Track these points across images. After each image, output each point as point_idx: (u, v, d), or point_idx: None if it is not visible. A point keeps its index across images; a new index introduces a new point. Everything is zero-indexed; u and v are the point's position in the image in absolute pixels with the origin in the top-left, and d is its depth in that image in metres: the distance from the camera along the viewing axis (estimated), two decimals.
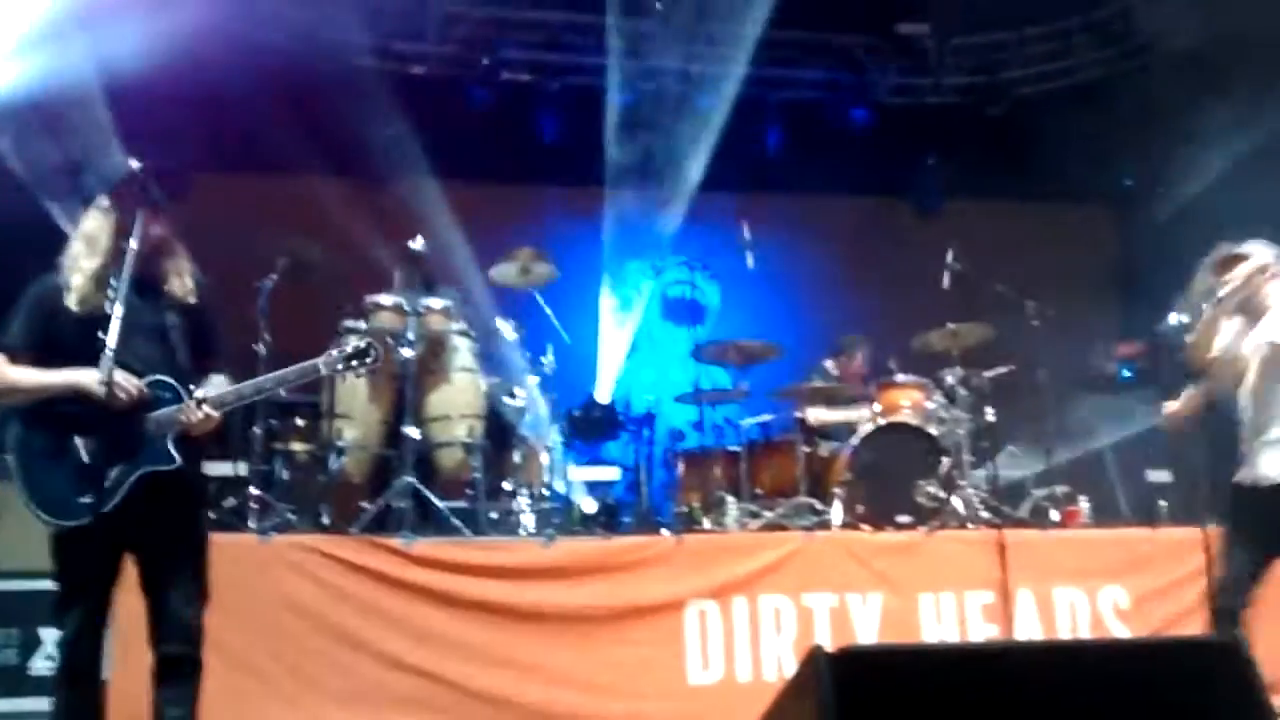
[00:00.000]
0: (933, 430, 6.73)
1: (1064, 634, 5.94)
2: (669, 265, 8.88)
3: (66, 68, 7.36)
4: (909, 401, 7.01)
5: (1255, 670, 2.38)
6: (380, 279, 6.72)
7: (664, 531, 6.32)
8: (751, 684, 5.54)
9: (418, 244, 6.56)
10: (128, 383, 3.46)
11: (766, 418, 7.51)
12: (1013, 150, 9.74)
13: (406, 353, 6.01)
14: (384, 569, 5.35)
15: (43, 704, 4.82)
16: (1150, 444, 7.25)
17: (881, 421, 6.80)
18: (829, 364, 7.87)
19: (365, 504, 5.95)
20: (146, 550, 3.61)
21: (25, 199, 7.63)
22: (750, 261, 7.35)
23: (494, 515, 6.25)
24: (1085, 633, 5.96)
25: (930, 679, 2.34)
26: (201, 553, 3.70)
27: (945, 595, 5.94)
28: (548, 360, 6.99)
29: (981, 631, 5.89)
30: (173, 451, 3.52)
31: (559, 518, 6.50)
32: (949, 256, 7.28)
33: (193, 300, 3.74)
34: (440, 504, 5.85)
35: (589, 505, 7.12)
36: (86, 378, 3.45)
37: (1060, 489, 7.13)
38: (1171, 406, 4.94)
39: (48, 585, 4.77)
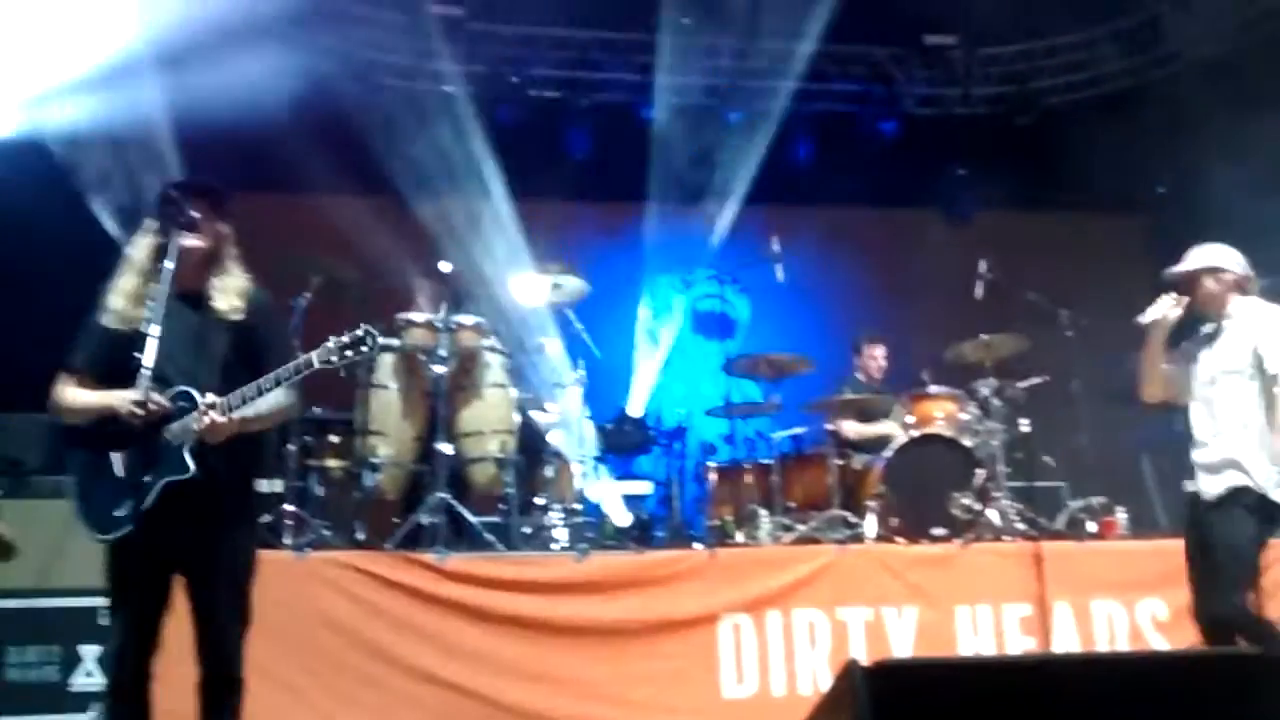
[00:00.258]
0: (967, 442, 6.69)
1: (1102, 646, 5.88)
2: (699, 279, 8.87)
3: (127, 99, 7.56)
4: (943, 413, 6.98)
5: None
6: (413, 297, 6.76)
7: (697, 545, 6.32)
8: (786, 698, 5.53)
9: (444, 265, 6.59)
10: (147, 400, 3.49)
11: (798, 430, 7.48)
12: (1043, 160, 9.70)
13: (439, 369, 6.03)
14: (418, 584, 5.37)
15: None
16: (1188, 454, 7.17)
17: (915, 433, 6.77)
18: (858, 374, 7.86)
19: (399, 520, 5.97)
20: (187, 568, 3.64)
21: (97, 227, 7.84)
22: (780, 275, 7.34)
23: (527, 530, 6.26)
24: (1124, 645, 5.90)
25: (967, 692, 2.33)
26: (241, 573, 3.70)
27: (981, 608, 5.91)
28: (579, 375, 7.00)
29: (1019, 644, 5.85)
30: (187, 460, 3.50)
31: (592, 532, 6.49)
32: (981, 267, 7.24)
33: (238, 317, 3.72)
34: (473, 519, 5.86)
35: (624, 518, 7.11)
36: (117, 398, 3.52)
37: (1097, 500, 7.06)
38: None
39: (87, 602, 4.86)
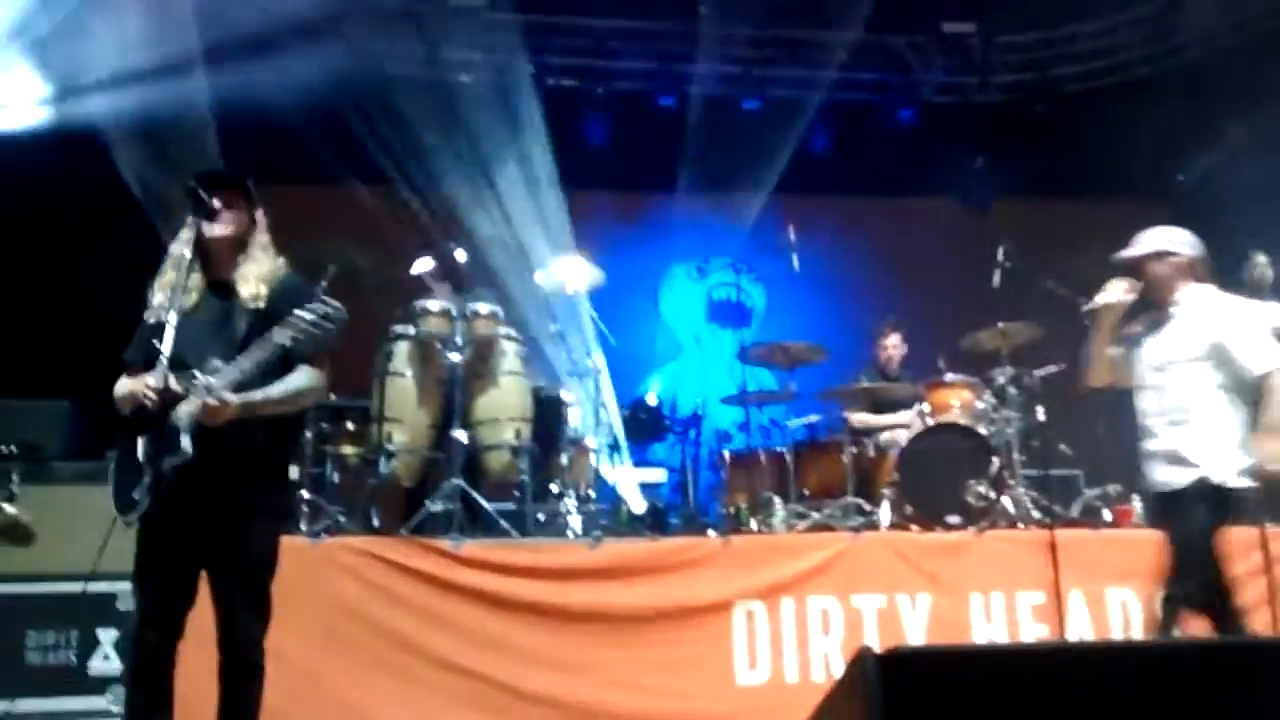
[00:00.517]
0: (982, 430, 6.68)
1: (1116, 635, 5.87)
2: (715, 268, 8.86)
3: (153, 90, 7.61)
4: (959, 401, 6.96)
5: None
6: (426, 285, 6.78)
7: (711, 533, 6.33)
8: (799, 685, 5.53)
9: (459, 253, 6.61)
10: (161, 385, 3.53)
11: (813, 419, 7.49)
12: (1061, 147, 9.66)
13: (454, 357, 6.05)
14: (433, 571, 5.40)
15: (100, 703, 4.96)
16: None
17: (931, 421, 6.76)
18: (882, 359, 7.86)
19: (414, 506, 6.00)
20: (208, 557, 3.67)
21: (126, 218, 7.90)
22: (796, 263, 7.33)
23: (541, 517, 6.27)
24: (1138, 634, 5.88)
25: (980, 680, 2.32)
26: (259, 565, 3.73)
27: (995, 596, 5.90)
28: (592, 363, 7.01)
29: (1032, 632, 5.84)
30: (184, 443, 3.50)
31: (606, 519, 6.51)
32: (999, 254, 7.21)
33: (260, 304, 3.75)
34: (488, 506, 5.88)
35: (640, 504, 7.12)
36: (138, 383, 3.60)
37: (1112, 488, 7.04)
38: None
39: (106, 587, 4.90)
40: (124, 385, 3.73)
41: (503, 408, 6.28)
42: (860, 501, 6.65)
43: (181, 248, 3.77)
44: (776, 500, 6.68)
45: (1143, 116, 9.19)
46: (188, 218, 3.80)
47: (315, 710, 5.05)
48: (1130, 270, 4.68)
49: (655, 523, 6.85)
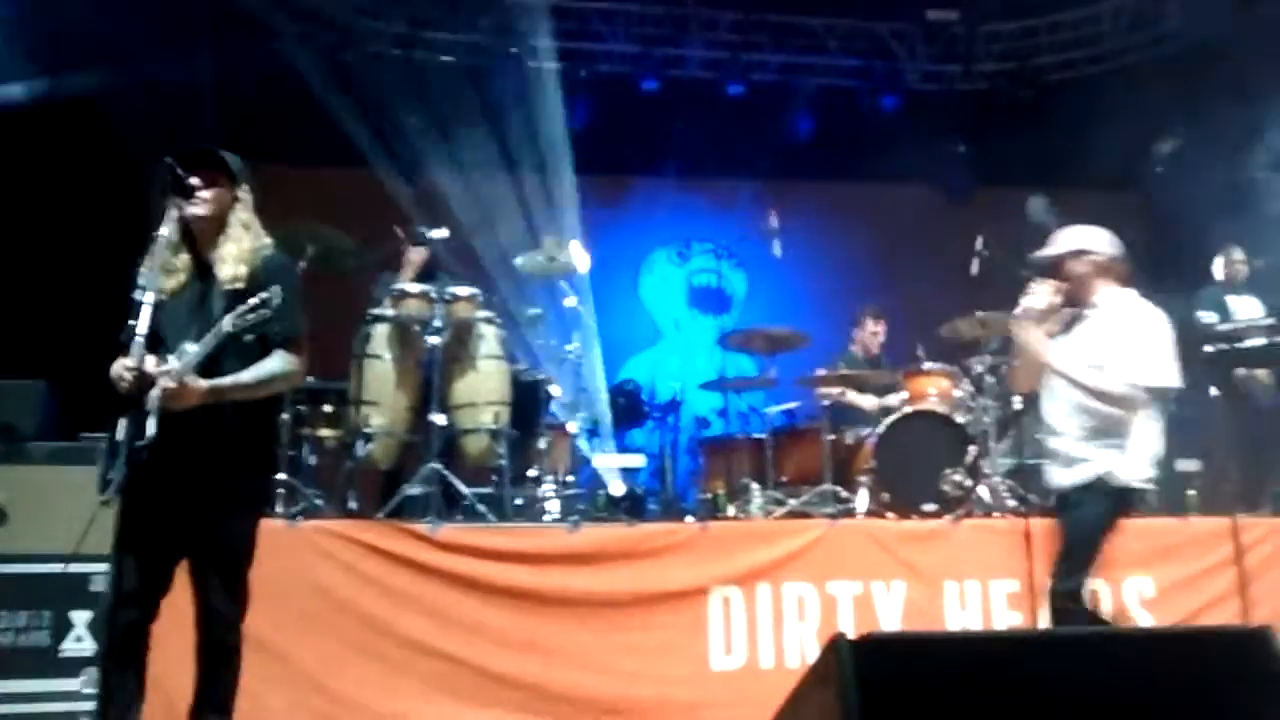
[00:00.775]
0: (959, 418, 6.70)
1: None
2: (696, 253, 8.87)
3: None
4: (936, 390, 6.99)
5: None
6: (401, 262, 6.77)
7: (689, 518, 6.34)
8: (774, 670, 5.56)
9: (437, 232, 6.59)
10: (137, 366, 3.50)
11: (792, 405, 7.50)
12: (1044, 136, 9.66)
13: (433, 340, 6.02)
14: (410, 554, 5.39)
15: (73, 684, 4.93)
16: (1179, 434, 7.19)
17: (908, 409, 6.78)
18: (854, 347, 7.88)
19: (391, 490, 5.99)
20: (184, 542, 3.66)
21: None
22: (777, 250, 7.33)
23: (519, 501, 6.27)
24: (1109, 622, 5.93)
25: (953, 666, 2.34)
26: (236, 553, 3.72)
27: (970, 584, 5.93)
28: (573, 348, 6.99)
29: (1006, 620, 5.88)
30: (149, 426, 3.46)
31: (584, 504, 6.51)
32: (978, 244, 7.22)
33: (239, 285, 3.71)
34: (466, 490, 5.88)
35: (619, 488, 7.12)
36: (117, 365, 3.56)
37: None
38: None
39: (80, 568, 4.87)
40: (114, 366, 3.68)
41: (481, 391, 6.25)
42: (837, 489, 6.66)
43: (165, 228, 3.73)
44: (754, 487, 6.69)
45: (1125, 106, 9.23)
46: (170, 197, 3.76)
47: (290, 692, 5.04)
48: (1051, 271, 4.61)
49: (633, 508, 6.85)
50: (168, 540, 3.64)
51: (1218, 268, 7.79)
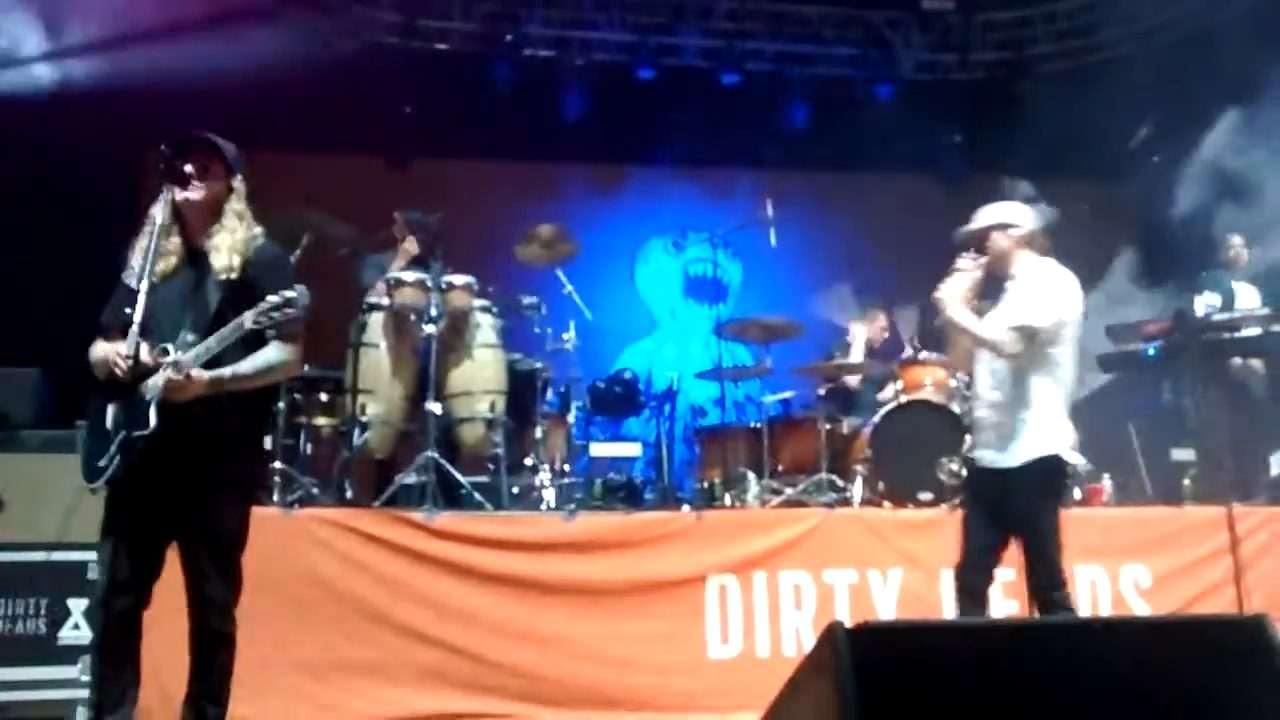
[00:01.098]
0: (955, 408, 6.70)
1: (1085, 611, 5.92)
2: (691, 242, 8.85)
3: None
4: (932, 379, 6.99)
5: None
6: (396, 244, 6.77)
7: (685, 507, 6.34)
8: (770, 658, 5.57)
9: (430, 217, 6.59)
10: (133, 353, 3.50)
11: (788, 394, 7.50)
12: (1039, 126, 9.64)
13: (429, 329, 6.02)
14: (406, 542, 5.39)
15: (70, 672, 4.92)
16: (1175, 423, 7.21)
17: (904, 399, 6.79)
18: (851, 333, 7.88)
19: (387, 478, 5.98)
20: (177, 529, 3.65)
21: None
22: (773, 239, 7.32)
23: (515, 490, 6.27)
24: (1106, 610, 5.95)
25: (949, 655, 2.34)
26: (229, 539, 3.71)
27: None
28: (569, 337, 6.99)
29: (1001, 608, 5.87)
30: (151, 416, 3.47)
31: (580, 493, 6.52)
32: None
33: (232, 275, 3.70)
34: (462, 478, 5.87)
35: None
36: (111, 350, 3.56)
37: (1083, 466, 7.08)
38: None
39: (76, 556, 4.87)
40: (99, 350, 3.68)
41: (477, 380, 6.25)
42: (833, 478, 6.66)
43: (157, 212, 3.71)
44: (750, 476, 6.70)
45: (1121, 96, 9.22)
46: (163, 183, 3.75)
47: (286, 680, 5.05)
48: (970, 245, 4.65)
49: (629, 497, 6.85)
50: (158, 525, 3.63)
51: (1224, 254, 7.78)
